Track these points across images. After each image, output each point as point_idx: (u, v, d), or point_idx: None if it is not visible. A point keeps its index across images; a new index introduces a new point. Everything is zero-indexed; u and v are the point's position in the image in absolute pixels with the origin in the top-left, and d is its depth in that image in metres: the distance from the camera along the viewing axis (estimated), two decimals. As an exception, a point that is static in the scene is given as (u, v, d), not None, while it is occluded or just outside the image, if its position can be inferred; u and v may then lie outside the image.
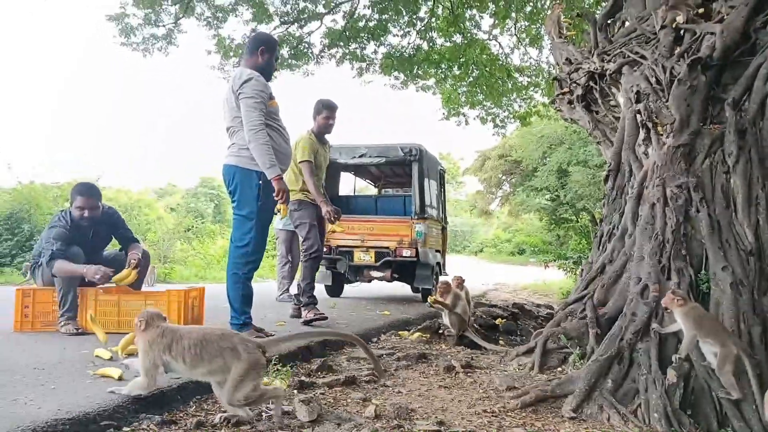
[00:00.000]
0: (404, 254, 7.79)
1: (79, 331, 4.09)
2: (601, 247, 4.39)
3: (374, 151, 8.35)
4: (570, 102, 5.20)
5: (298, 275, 5.83)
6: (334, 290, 8.52)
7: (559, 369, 3.84)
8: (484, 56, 10.93)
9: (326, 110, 5.31)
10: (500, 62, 11.20)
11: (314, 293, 5.15)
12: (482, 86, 11.32)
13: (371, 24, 10.51)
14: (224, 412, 2.42)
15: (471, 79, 11.29)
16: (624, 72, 4.51)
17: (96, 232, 4.44)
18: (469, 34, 10.86)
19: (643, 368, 3.23)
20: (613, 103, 4.80)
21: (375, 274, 8.08)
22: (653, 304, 3.46)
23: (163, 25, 9.91)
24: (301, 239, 5.38)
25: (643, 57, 4.40)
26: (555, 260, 14.66)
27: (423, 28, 10.81)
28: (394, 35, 10.91)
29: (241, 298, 3.89)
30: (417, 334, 5.24)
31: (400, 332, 5.43)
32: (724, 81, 3.99)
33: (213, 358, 2.31)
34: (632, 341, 3.37)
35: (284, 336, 2.93)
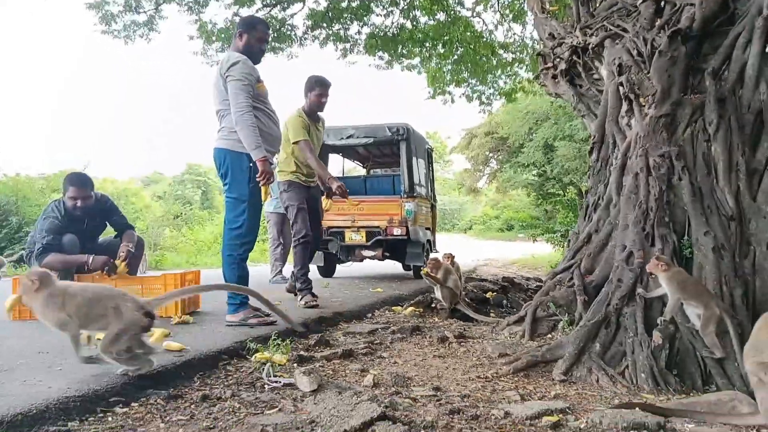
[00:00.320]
0: (395, 233, 7.88)
1: (78, 317, 4.15)
2: (587, 218, 4.50)
3: (362, 132, 8.39)
4: (554, 77, 5.26)
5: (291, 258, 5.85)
6: (327, 271, 8.61)
7: (549, 336, 3.97)
8: (468, 33, 10.91)
9: (319, 87, 5.13)
10: (484, 39, 11.18)
11: (308, 277, 5.16)
12: (467, 64, 11.32)
13: (354, 4, 10.45)
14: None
15: (455, 57, 11.27)
16: (606, 45, 4.58)
17: (90, 220, 4.48)
18: (452, 12, 10.82)
19: (630, 331, 3.36)
20: (596, 76, 4.87)
21: (366, 253, 8.17)
22: (638, 270, 3.58)
23: (144, 12, 9.80)
24: (291, 222, 5.31)
25: (624, 30, 4.46)
26: (543, 234, 14.85)
27: (406, 6, 10.75)
28: (377, 15, 10.84)
29: (237, 279, 3.95)
30: (410, 309, 5.35)
31: (393, 307, 5.55)
32: (704, 51, 4.07)
33: (100, 316, 2.49)
34: (619, 306, 3.49)
35: (169, 294, 3.23)
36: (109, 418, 2.16)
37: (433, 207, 9.59)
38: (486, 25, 11.42)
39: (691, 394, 2.95)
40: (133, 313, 2.48)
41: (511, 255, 18.79)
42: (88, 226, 4.46)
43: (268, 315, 4.05)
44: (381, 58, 11.32)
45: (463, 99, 12.25)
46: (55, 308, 2.48)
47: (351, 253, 8.24)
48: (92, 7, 9.42)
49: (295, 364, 3.04)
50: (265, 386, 2.66)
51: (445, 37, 10.75)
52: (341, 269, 9.11)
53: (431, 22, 10.85)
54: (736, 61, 3.85)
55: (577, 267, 4.15)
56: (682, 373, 3.22)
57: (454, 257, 5.86)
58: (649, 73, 3.96)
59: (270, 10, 10.40)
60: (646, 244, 3.68)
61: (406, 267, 9.24)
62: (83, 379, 2.40)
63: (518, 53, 11.60)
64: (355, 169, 11.01)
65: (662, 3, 4.45)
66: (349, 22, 10.76)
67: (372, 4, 10.52)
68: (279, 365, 2.99)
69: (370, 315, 5.16)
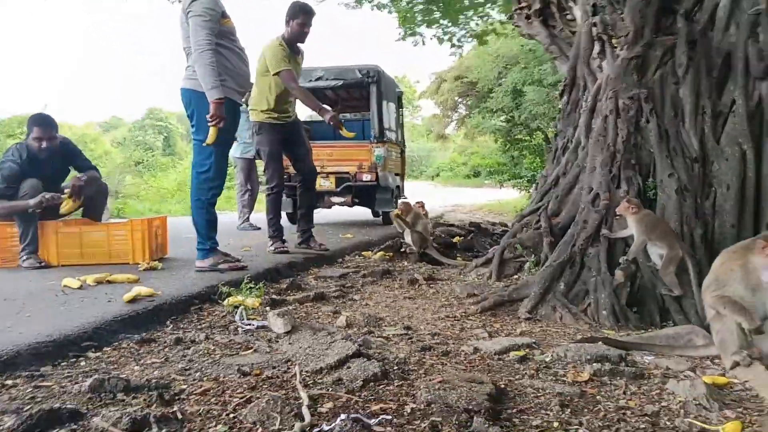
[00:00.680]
0: (364, 179, 7.84)
1: (42, 264, 4.06)
2: (555, 161, 4.55)
3: (331, 74, 8.19)
4: (528, 17, 5.18)
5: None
6: (296, 217, 8.55)
7: (516, 276, 4.07)
8: (440, -29, 10.61)
9: (303, 14, 4.64)
10: (456, -23, 10.89)
11: (280, 224, 5.07)
12: (438, 3, 11.04)
13: (321, -62, 9.98)
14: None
15: (426, -5, 10.99)
16: (580, -15, 4.51)
17: (53, 164, 4.33)
18: (423, -52, 10.48)
19: (593, 271, 3.47)
20: (569, 17, 4.81)
21: (336, 199, 8.14)
22: (603, 211, 3.66)
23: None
24: (264, 167, 5.03)
25: (599, -31, 4.39)
26: (510, 180, 15.01)
27: (375, -58, 10.36)
28: (345, -51, 10.44)
29: (207, 224, 3.90)
30: (380, 253, 5.40)
31: (363, 252, 5.59)
32: (677, -8, 4.05)
33: None
34: (583, 246, 3.58)
35: None
36: (82, 363, 2.15)
37: (402, 152, 9.55)
38: (458, -37, 11.09)
39: (650, 330, 3.09)
40: None
41: (478, 201, 19.02)
42: (51, 169, 4.31)
43: (238, 260, 4.04)
44: (350, -5, 10.95)
45: (434, 41, 12.02)
46: None
47: (320, 199, 8.18)
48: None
49: (267, 308, 3.05)
50: (239, 329, 2.68)
51: (416, -25, 10.43)
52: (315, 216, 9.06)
53: (401, -40, 10.49)
54: (708, 3, 3.85)
55: (545, 209, 4.22)
56: (641, 310, 3.36)
57: (424, 205, 5.89)
58: (622, 13, 3.93)
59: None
60: (612, 186, 3.76)
61: (375, 213, 9.26)
62: (54, 325, 2.37)
63: (490, -7, 11.35)
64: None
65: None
66: (316, -42, 10.31)
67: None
68: (252, 309, 3.00)
69: (340, 260, 5.19)
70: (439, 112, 29.14)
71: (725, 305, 2.24)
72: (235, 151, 7.18)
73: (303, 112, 9.78)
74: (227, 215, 10.20)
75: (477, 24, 11.96)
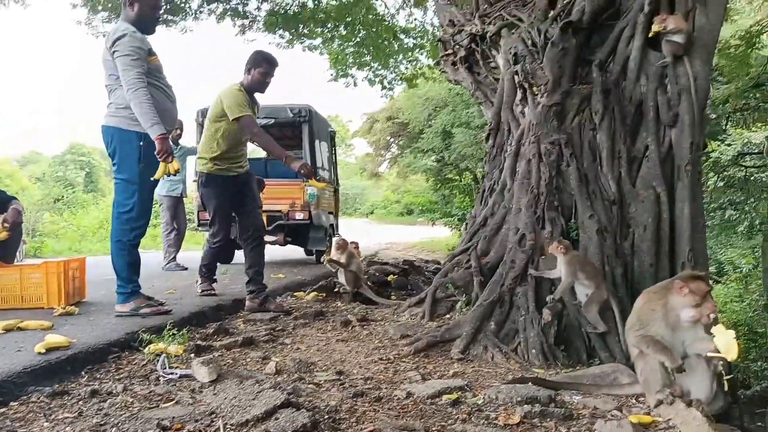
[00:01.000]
0: (297, 217, 7.75)
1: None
2: (483, 202, 4.67)
3: (262, 113, 8.08)
4: (454, 63, 5.37)
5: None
6: (226, 257, 8.31)
7: (448, 316, 4.09)
8: (370, 16, 10.90)
9: (266, 64, 4.39)
10: (386, 22, 11.23)
11: (214, 265, 4.93)
12: (369, 47, 11.32)
13: (253, -21, 10.08)
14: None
15: (358, 39, 11.24)
16: (503, 34, 4.73)
17: None
18: (354, -7, 10.75)
19: (522, 310, 3.55)
20: (493, 64, 5.03)
21: (268, 238, 7.92)
22: (530, 251, 3.77)
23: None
24: (209, 222, 4.65)
25: (520, 20, 4.63)
26: (441, 218, 15.32)
27: (307, -16, 10.55)
28: (277, -9, 10.55)
29: (128, 266, 3.71)
30: (313, 294, 5.31)
31: (295, 293, 5.48)
32: (592, 43, 4.31)
33: None
34: (512, 286, 3.67)
35: None
36: (-19, 421, 1.95)
37: (336, 191, 9.55)
38: (388, 8, 11.47)
39: (578, 368, 3.17)
40: None
41: (412, 239, 19.23)
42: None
43: (162, 304, 3.85)
44: (282, 36, 11.04)
45: (365, 82, 12.27)
46: None
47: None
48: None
49: (192, 355, 2.91)
50: (160, 379, 2.53)
51: (348, 19, 10.67)
52: (241, 255, 8.84)
53: (334, 2, 10.72)
54: (621, 54, 4.13)
55: (474, 249, 4.30)
56: (569, 348, 3.45)
57: (358, 245, 5.88)
58: (542, 63, 4.15)
59: (162, -20, 9.77)
60: (537, 227, 3.88)
61: (308, 252, 9.15)
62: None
63: (419, 39, 11.76)
64: (255, 150, 10.67)
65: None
66: (248, -2, 10.37)
67: (272, -20, 10.21)
68: (175, 356, 2.85)
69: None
70: (372, 151, 29.57)
71: (648, 345, 2.32)
72: (161, 189, 6.95)
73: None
74: (153, 254, 9.79)
75: (407, 68, 12.33)
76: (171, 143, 3.73)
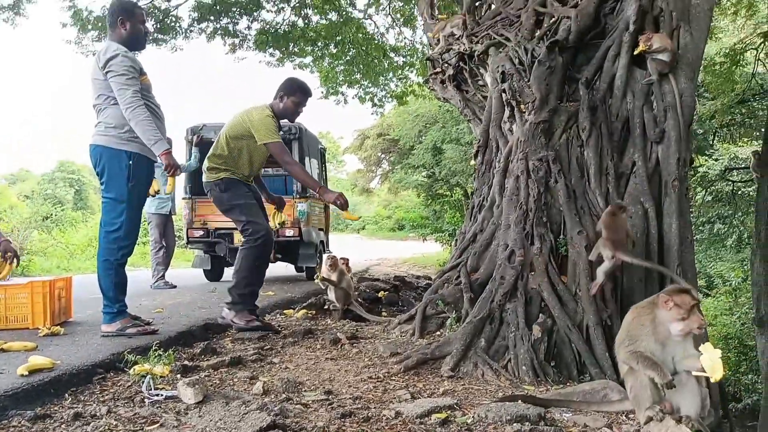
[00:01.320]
0: (287, 234, 7.72)
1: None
2: (472, 218, 4.68)
3: None
4: (442, 82, 5.42)
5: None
6: (214, 274, 8.27)
7: (438, 333, 4.07)
8: (360, 35, 11.01)
9: (300, 94, 4.33)
10: (376, 41, 11.33)
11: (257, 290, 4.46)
12: (359, 65, 11.41)
13: (243, -1, 10.15)
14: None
15: (348, 57, 11.33)
16: (491, 53, 4.78)
17: None
18: (344, 12, 10.85)
19: (512, 326, 3.53)
20: (481, 82, 5.08)
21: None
22: (519, 267, 3.77)
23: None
24: (239, 225, 4.30)
25: (507, 39, 4.68)
26: (432, 233, 15.33)
27: (298, 4, 10.62)
28: (267, 11, 10.62)
29: (114, 286, 3.68)
30: (302, 311, 5.27)
31: (285, 311, 5.44)
32: (578, 62, 4.37)
33: None
34: (502, 302, 3.66)
35: None
36: (-42, 448, 1.91)
37: (326, 207, 9.54)
38: (378, 27, 11.58)
39: (568, 384, 3.15)
40: None
41: (403, 254, 19.23)
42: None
43: (148, 323, 3.81)
44: (272, 55, 11.10)
45: (355, 100, 12.35)
46: None
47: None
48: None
49: (178, 375, 2.87)
50: (145, 400, 2.49)
51: (338, 38, 10.76)
52: (230, 272, 8.78)
53: (323, 21, 10.81)
54: (607, 72, 4.18)
55: (464, 265, 4.29)
56: (559, 364, 3.45)
57: (348, 261, 5.86)
58: (529, 81, 4.18)
59: (152, 0, 9.82)
60: (526, 243, 3.89)
61: (298, 269, 9.11)
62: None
63: (409, 57, 11.87)
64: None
65: (542, 15, 4.72)
66: (238, 17, 10.43)
67: (262, -1, 10.28)
68: (160, 377, 2.81)
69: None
70: (363, 167, 29.63)
71: (638, 360, 2.31)
72: (149, 207, 6.92)
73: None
74: (141, 272, 9.71)
75: (396, 85, 12.42)
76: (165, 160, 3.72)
